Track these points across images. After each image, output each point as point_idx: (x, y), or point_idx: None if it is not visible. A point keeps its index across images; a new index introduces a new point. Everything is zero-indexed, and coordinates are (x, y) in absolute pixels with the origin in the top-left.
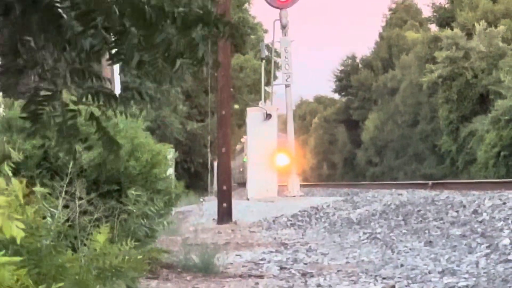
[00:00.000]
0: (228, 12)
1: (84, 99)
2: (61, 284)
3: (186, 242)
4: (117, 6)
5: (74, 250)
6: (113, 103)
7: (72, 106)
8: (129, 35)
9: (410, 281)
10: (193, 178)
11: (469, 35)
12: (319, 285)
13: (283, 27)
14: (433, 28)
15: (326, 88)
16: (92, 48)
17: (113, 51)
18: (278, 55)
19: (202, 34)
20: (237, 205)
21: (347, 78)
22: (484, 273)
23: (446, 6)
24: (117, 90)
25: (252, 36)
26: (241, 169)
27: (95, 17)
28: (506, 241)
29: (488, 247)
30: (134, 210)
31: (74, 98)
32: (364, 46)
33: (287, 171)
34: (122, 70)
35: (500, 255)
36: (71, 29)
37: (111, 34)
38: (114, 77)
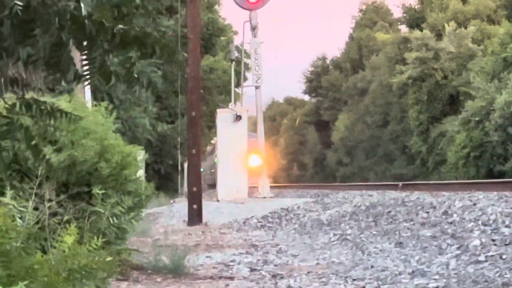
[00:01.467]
0: (197, 13)
1: (18, 108)
2: (26, 282)
3: (156, 244)
4: (57, 18)
5: (44, 252)
6: (45, 115)
7: (5, 114)
8: (67, 47)
9: (380, 283)
10: (163, 179)
11: (439, 36)
12: (289, 286)
13: (253, 28)
14: (403, 29)
15: (296, 89)
16: (29, 58)
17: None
18: (248, 56)
19: (139, 55)
20: (208, 207)
21: (317, 79)
22: (454, 274)
23: (416, 7)
24: (87, 93)
25: (222, 38)
26: (211, 171)
27: (34, 27)
28: (477, 242)
29: (458, 248)
30: (102, 211)
31: (8, 106)
32: (334, 47)
33: (257, 172)
34: None
35: (471, 256)
36: (10, 38)
37: (49, 45)
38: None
